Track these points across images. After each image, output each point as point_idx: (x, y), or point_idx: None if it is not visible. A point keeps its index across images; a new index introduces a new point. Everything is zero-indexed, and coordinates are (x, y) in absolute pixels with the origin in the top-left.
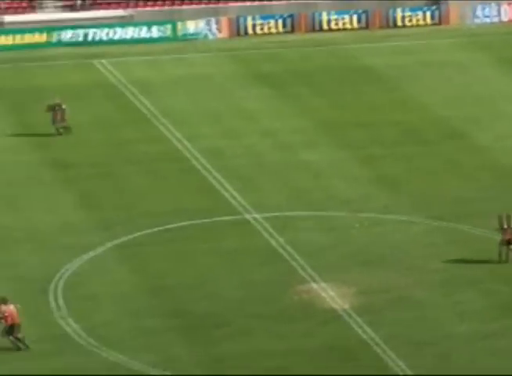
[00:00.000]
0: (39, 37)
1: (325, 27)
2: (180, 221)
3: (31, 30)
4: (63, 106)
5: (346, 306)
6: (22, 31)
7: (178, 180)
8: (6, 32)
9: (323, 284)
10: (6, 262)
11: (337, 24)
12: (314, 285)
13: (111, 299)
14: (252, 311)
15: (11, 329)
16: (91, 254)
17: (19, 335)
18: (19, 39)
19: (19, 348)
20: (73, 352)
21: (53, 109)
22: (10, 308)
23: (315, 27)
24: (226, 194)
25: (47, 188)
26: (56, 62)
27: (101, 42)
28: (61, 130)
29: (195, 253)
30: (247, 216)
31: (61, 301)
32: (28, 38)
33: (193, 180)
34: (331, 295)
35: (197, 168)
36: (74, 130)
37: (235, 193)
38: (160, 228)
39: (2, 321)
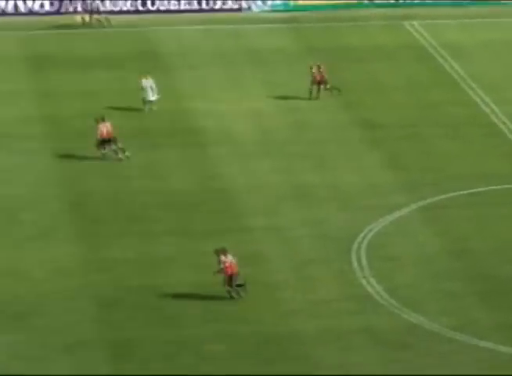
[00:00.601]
0: None
1: None
2: (486, 185)
3: None
4: (321, 69)
5: None
6: None
7: (484, 145)
8: None
9: None
10: (312, 220)
11: None
12: None
13: (413, 261)
14: None
15: (230, 279)
16: (396, 215)
17: (239, 283)
18: None
19: (232, 297)
20: (374, 312)
21: (312, 70)
22: (229, 258)
23: None
24: None
25: (354, 148)
26: (367, 22)
27: (412, 4)
28: (327, 91)
29: (499, 217)
30: None
31: (364, 262)
32: None
33: (501, 145)
34: None
35: (505, 132)
36: (383, 91)
37: None
38: (466, 191)
39: (222, 272)
